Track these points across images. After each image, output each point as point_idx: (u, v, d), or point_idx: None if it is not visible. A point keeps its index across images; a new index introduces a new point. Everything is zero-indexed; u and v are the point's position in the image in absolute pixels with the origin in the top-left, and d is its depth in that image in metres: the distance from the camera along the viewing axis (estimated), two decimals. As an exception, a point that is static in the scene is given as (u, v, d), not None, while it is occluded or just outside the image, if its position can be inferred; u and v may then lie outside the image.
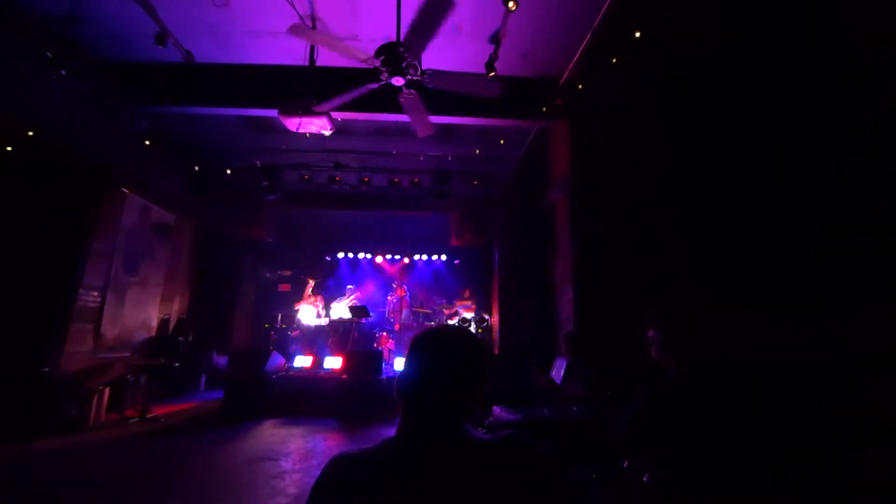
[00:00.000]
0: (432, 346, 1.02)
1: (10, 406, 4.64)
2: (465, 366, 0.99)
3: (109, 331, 6.80)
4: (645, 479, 1.38)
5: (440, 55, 4.69)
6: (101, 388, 5.75)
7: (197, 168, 6.77)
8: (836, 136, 2.09)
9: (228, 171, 7.02)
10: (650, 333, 2.15)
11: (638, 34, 3.56)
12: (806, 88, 2.22)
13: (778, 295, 2.25)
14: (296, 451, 4.82)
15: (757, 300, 2.40)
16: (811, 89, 2.19)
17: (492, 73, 5.15)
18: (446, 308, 10.12)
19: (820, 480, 1.47)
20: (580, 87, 4.78)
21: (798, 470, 1.50)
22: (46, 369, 5.21)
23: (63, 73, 4.29)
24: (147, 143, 5.77)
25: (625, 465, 1.50)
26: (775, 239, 2.36)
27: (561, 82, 5.11)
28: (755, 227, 2.44)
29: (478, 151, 6.75)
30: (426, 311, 10.22)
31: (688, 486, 1.31)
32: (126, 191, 6.97)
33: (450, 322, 9.53)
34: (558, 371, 4.47)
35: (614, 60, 3.93)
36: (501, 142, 6.29)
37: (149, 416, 5.92)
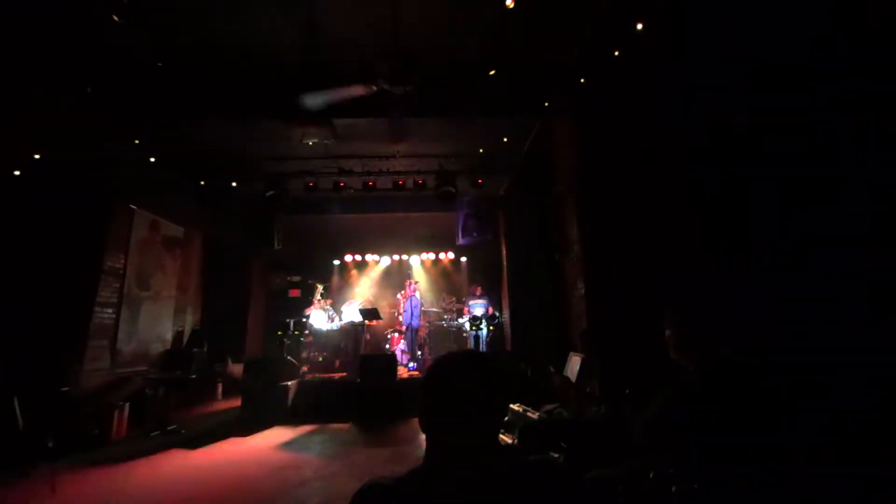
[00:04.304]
0: (454, 374, 1.01)
1: (34, 426, 4.72)
2: (489, 393, 0.98)
3: (126, 346, 6.89)
4: (673, 490, 1.37)
5: (439, 49, 4.64)
6: (120, 403, 5.84)
7: (203, 182, 6.81)
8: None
9: (234, 184, 7.05)
10: (667, 333, 2.13)
11: (640, 25, 3.50)
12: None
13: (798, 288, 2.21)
14: (316, 458, 4.86)
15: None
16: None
17: (492, 72, 5.13)
18: (456, 306, 10.13)
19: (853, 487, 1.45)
20: (583, 80, 4.73)
21: (829, 475, 1.48)
22: (66, 388, 5.29)
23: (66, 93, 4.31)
24: (152, 159, 5.80)
25: (651, 476, 1.49)
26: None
27: (563, 76, 5.06)
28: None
29: (481, 151, 6.72)
30: (436, 310, 10.23)
31: (717, 499, 1.29)
32: (133, 207, 7.04)
33: (460, 320, 9.55)
34: (573, 368, 4.46)
35: (617, 53, 3.88)
36: (505, 139, 6.25)
37: (169, 428, 5.99)
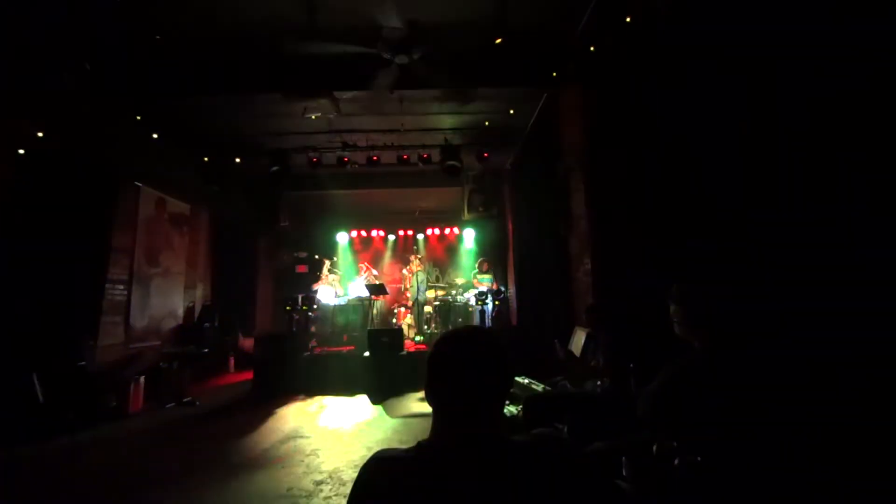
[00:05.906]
0: (459, 350, 1.02)
1: (53, 400, 4.89)
2: (493, 368, 0.99)
3: (139, 322, 7.04)
4: (675, 463, 1.39)
5: (442, 16, 4.47)
6: (136, 377, 6.00)
7: (206, 158, 6.77)
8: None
9: (238, 160, 7.00)
10: (672, 309, 2.12)
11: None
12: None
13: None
14: (326, 428, 5.01)
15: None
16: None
17: (498, 40, 4.96)
18: (462, 281, 10.16)
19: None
20: (592, 48, 4.57)
21: (834, 458, 1.48)
22: (83, 363, 5.45)
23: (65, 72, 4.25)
24: (154, 136, 5.76)
25: (653, 448, 1.51)
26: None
27: (571, 45, 4.88)
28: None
29: (487, 123, 6.58)
30: (442, 285, 10.28)
31: (720, 473, 1.31)
32: (139, 184, 7.05)
33: (466, 295, 9.61)
34: (578, 342, 4.50)
35: (628, 19, 3.72)
36: (511, 111, 6.10)
37: (184, 400, 6.18)
